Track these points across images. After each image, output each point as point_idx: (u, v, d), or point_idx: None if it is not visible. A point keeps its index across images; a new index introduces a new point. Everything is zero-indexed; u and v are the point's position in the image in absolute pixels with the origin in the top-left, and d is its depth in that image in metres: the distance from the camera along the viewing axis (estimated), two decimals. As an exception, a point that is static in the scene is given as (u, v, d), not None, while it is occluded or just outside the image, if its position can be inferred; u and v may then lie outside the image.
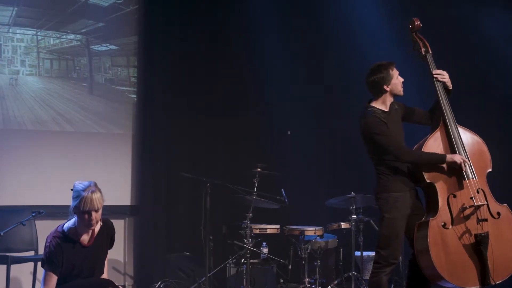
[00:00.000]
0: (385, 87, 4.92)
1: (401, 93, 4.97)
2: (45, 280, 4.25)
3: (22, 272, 6.91)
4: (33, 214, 6.30)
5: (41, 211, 6.27)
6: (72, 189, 4.29)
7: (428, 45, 5.08)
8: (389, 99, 4.97)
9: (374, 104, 4.96)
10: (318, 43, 8.24)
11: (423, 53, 5.06)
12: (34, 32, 7.53)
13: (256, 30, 8.20)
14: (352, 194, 6.75)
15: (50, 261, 4.24)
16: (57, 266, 4.24)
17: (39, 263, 6.49)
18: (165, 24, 8.03)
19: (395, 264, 4.88)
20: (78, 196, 4.21)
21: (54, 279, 4.24)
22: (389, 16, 7.66)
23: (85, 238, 4.34)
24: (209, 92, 8.18)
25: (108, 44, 7.94)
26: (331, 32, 8.11)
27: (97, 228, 4.38)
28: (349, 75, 8.00)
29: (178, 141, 8.01)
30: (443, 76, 4.99)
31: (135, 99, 8.01)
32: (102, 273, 4.48)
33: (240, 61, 8.24)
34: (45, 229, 6.71)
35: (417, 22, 5.15)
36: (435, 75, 4.98)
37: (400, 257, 6.62)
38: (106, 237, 4.47)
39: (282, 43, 8.18)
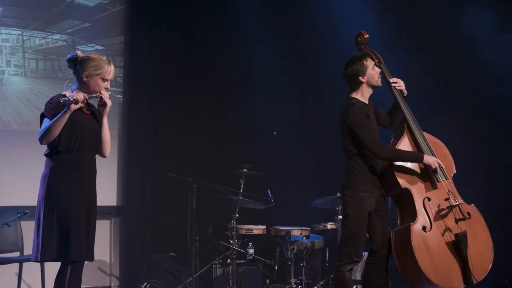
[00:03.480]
0: (360, 78, 4.89)
1: (379, 83, 4.95)
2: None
3: (7, 273, 6.86)
4: (19, 215, 6.30)
5: (27, 211, 6.25)
6: (77, 57, 4.32)
7: (379, 56, 5.03)
8: (367, 92, 4.95)
9: (354, 95, 4.94)
10: (305, 44, 8.25)
11: (377, 64, 4.98)
12: (20, 32, 7.49)
13: (243, 31, 8.19)
14: (338, 194, 6.75)
15: (49, 111, 4.26)
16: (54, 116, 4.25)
17: (25, 264, 6.51)
18: (151, 24, 8.02)
19: (358, 262, 4.88)
20: (99, 64, 4.33)
21: None
22: (375, 15, 7.68)
23: (83, 105, 4.39)
24: (195, 92, 8.18)
25: (94, 45, 7.92)
26: (317, 33, 8.12)
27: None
28: (336, 76, 8.00)
29: (164, 141, 8.00)
30: (399, 84, 5.02)
31: (121, 99, 7.99)
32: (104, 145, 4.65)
33: (226, 61, 8.24)
34: (30, 230, 6.68)
35: (366, 36, 5.11)
36: (392, 84, 5.00)
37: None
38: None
39: (269, 43, 8.19)
